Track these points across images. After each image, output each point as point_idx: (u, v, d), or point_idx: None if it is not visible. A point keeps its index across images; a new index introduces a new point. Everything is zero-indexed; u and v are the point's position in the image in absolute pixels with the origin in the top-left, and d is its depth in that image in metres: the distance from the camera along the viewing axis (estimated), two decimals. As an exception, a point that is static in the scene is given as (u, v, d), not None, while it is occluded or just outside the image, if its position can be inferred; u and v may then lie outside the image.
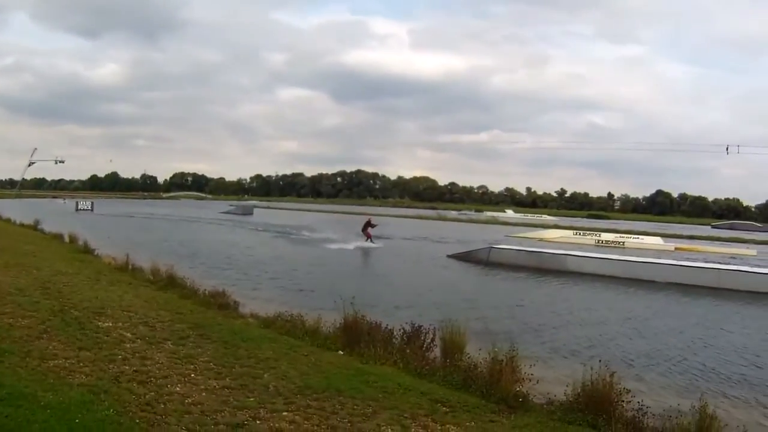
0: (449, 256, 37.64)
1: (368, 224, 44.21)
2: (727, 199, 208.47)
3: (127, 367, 9.14)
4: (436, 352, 12.42)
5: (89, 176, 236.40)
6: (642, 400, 9.79)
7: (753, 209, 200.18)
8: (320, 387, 9.09)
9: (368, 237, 43.74)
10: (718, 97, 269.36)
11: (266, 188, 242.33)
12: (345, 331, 12.88)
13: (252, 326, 13.83)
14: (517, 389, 9.94)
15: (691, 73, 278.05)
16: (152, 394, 8.07)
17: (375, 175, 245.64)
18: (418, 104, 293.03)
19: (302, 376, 9.62)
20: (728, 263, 37.98)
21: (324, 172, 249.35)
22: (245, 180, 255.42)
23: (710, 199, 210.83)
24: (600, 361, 10.45)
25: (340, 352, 11.87)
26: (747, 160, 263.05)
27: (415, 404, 8.83)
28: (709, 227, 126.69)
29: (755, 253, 52.98)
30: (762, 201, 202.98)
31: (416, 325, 13.16)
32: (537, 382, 10.55)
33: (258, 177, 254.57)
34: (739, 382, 13.50)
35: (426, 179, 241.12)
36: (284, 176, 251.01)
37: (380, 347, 11.92)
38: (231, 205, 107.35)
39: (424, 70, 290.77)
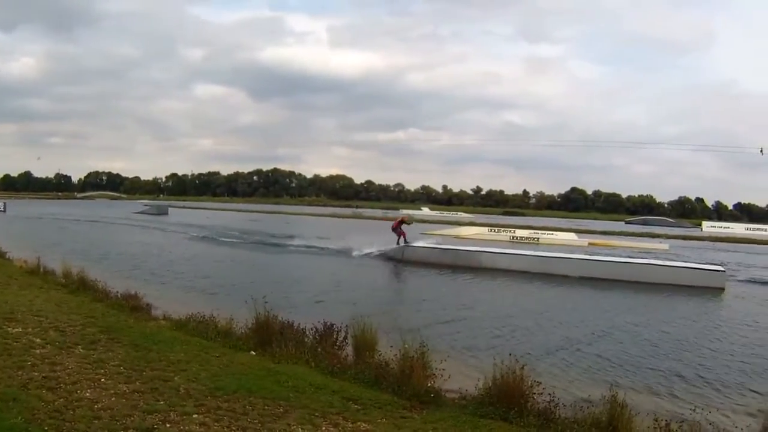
0: (366, 255, 37.78)
1: (402, 222, 40.23)
2: (640, 196, 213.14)
3: (36, 374, 9.01)
4: (348, 350, 12.54)
5: (2, 176, 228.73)
6: (553, 392, 10.07)
7: (666, 205, 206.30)
8: (231, 388, 9.10)
9: (401, 236, 38.28)
10: (631, 96, 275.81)
11: (182, 187, 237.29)
12: (257, 331, 12.91)
13: (164, 328, 13.65)
14: (429, 385, 10.19)
15: (605, 72, 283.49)
16: (62, 400, 7.98)
17: (291, 174, 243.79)
18: (336, 102, 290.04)
19: (213, 377, 9.61)
20: (640, 257, 38.80)
21: (240, 171, 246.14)
22: (161, 179, 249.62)
23: (624, 195, 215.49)
24: (510, 354, 10.66)
25: (252, 353, 11.88)
26: (660, 157, 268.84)
27: (327, 403, 8.90)
28: (623, 223, 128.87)
29: (667, 248, 54.21)
30: (674, 197, 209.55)
31: (328, 324, 13.23)
32: (449, 378, 10.77)
33: (174, 176, 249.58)
34: (643, 371, 14.04)
35: (342, 177, 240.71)
36: (200, 175, 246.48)
37: (292, 346, 12.00)
38: (145, 205, 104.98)
39: (342, 67, 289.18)
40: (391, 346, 11.54)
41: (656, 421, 9.03)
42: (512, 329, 18.01)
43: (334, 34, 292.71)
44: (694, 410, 10.00)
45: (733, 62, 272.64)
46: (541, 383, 10.03)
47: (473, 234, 58.10)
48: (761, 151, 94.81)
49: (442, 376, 10.66)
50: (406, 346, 10.86)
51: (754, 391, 12.85)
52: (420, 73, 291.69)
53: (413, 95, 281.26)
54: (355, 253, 38.23)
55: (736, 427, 10.10)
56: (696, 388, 12.96)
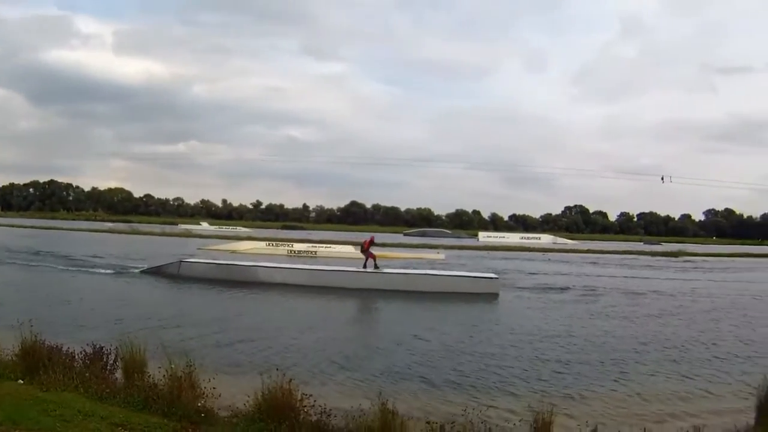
0: (140, 272, 36.67)
1: (371, 243, 36.63)
2: (419, 209, 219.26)
3: None
4: (119, 373, 12.15)
5: None
6: (325, 404, 10.28)
7: (443, 217, 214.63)
8: (-5, 421, 8.68)
9: (370, 258, 35.07)
10: (413, 116, 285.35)
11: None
12: (24, 357, 12.25)
13: (-76, 361, 12.95)
14: (199, 404, 10.14)
15: (387, 91, 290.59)
16: None
17: (69, 186, 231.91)
18: (117, 111, 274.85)
19: (-24, 411, 9.14)
20: (416, 267, 39.95)
21: (16, 182, 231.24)
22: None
23: (403, 209, 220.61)
24: (278, 369, 10.82)
25: (20, 381, 11.32)
26: (439, 172, 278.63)
27: (95, 430, 8.72)
28: (402, 235, 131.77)
29: (444, 257, 56.23)
30: (451, 210, 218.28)
31: (98, 346, 12.75)
32: (219, 396, 10.78)
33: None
34: (413, 377, 14.88)
35: (121, 191, 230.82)
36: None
37: (60, 372, 11.39)
38: None
39: (126, 74, 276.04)
40: (159, 367, 11.29)
41: (429, 424, 9.47)
42: (282, 343, 18.33)
43: (120, 40, 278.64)
44: (465, 411, 10.43)
45: (513, 87, 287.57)
46: (311, 396, 10.29)
47: (250, 249, 58.33)
48: (662, 178, 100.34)
49: (212, 394, 10.62)
50: (173, 365, 10.76)
51: (515, 393, 13.84)
52: (204, 84, 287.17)
53: (196, 107, 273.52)
54: (130, 270, 37.13)
55: (508, 423, 10.78)
56: (466, 389, 13.90)
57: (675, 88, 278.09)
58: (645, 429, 10.58)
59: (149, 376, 11.39)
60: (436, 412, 11.58)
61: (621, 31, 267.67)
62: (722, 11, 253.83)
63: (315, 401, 10.19)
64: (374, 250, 34.74)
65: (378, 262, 33.67)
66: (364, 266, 34.96)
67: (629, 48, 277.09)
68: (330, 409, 10.09)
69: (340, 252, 58.32)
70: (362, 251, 35.81)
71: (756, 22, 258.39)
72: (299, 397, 9.99)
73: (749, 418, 11.63)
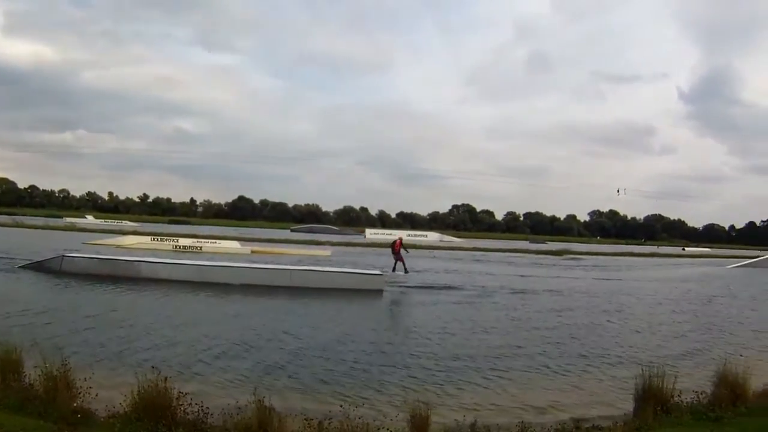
0: (19, 268, 34.87)
1: (402, 245, 37.30)
2: (307, 205, 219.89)
3: None
4: None
5: None
6: (202, 402, 10.28)
7: (332, 214, 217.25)
8: None
9: (400, 261, 36.50)
10: (302, 110, 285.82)
11: None
12: None
13: None
14: (76, 404, 9.90)
15: (279, 85, 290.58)
16: None
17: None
18: (4, 97, 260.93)
19: None
20: (300, 264, 40.20)
21: None
22: None
23: (291, 204, 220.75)
24: (153, 367, 10.80)
25: None
26: (327, 169, 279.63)
27: (-31, 435, 8.52)
28: (289, 231, 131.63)
29: (329, 254, 56.45)
30: (340, 206, 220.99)
31: (-28, 347, 12.42)
32: (96, 395, 10.52)
33: None
34: (287, 374, 14.99)
35: (5, 181, 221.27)
36: None
37: None
38: None
39: (15, 57, 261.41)
40: (36, 367, 11.03)
41: (306, 420, 9.65)
42: (159, 340, 18.04)
43: (11, 20, 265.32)
44: (342, 407, 10.61)
45: (407, 84, 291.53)
46: (188, 394, 10.25)
47: (134, 243, 57.38)
48: (618, 191, 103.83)
49: (89, 393, 10.36)
50: (47, 365, 10.48)
51: (392, 390, 14.07)
52: (94, 71, 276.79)
53: (85, 95, 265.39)
54: (8, 266, 35.43)
55: (385, 418, 10.96)
56: (343, 386, 14.01)
57: (565, 92, 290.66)
58: (522, 422, 10.90)
59: (25, 377, 11.19)
60: (312, 410, 11.72)
61: (514, 34, 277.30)
62: (613, 21, 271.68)
63: (192, 399, 10.17)
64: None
65: (263, 258, 33.77)
66: (394, 269, 35.78)
67: (522, 51, 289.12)
68: (207, 408, 10.11)
69: (225, 247, 58.25)
70: (393, 253, 36.66)
71: (645, 32, 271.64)
72: (176, 396, 9.97)
73: (627, 410, 12.19)
